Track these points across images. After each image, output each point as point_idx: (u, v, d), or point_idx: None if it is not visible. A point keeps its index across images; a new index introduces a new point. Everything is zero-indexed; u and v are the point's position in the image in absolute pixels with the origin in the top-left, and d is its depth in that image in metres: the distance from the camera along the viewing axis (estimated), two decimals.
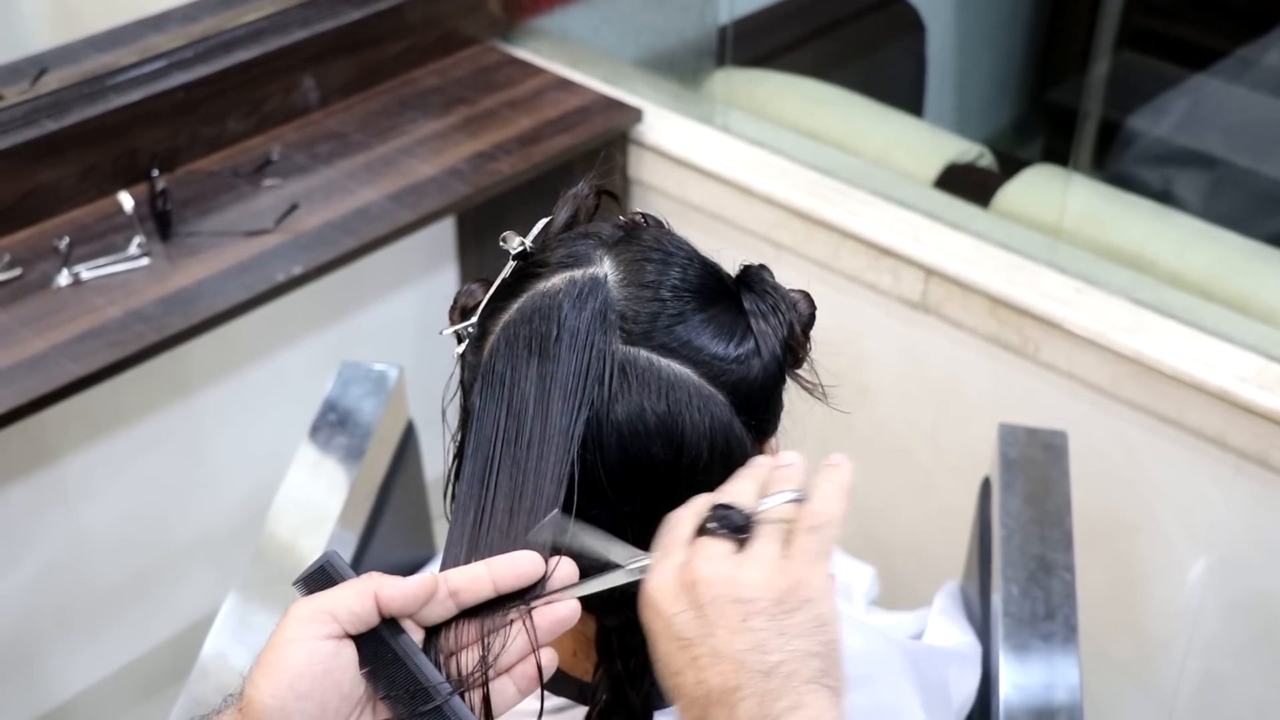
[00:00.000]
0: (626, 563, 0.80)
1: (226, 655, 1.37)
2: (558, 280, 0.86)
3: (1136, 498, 1.92)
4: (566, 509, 0.81)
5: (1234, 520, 1.84)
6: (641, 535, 0.81)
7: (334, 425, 1.59)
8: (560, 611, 0.78)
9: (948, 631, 1.45)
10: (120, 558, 2.27)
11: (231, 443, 2.35)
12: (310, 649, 0.73)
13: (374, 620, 0.75)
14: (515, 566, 0.78)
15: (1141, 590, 1.96)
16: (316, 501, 1.51)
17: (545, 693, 0.92)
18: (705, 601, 0.74)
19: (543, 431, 0.82)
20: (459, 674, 0.77)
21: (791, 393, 0.92)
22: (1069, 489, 1.54)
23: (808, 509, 0.78)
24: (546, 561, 0.78)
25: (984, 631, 1.44)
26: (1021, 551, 1.46)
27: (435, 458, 1.92)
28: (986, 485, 1.61)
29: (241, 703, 0.73)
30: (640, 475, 0.83)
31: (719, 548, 0.76)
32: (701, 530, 0.78)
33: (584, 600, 0.80)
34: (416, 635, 0.76)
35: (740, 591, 0.74)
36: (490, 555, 0.79)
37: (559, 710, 0.92)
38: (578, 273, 0.86)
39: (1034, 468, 1.55)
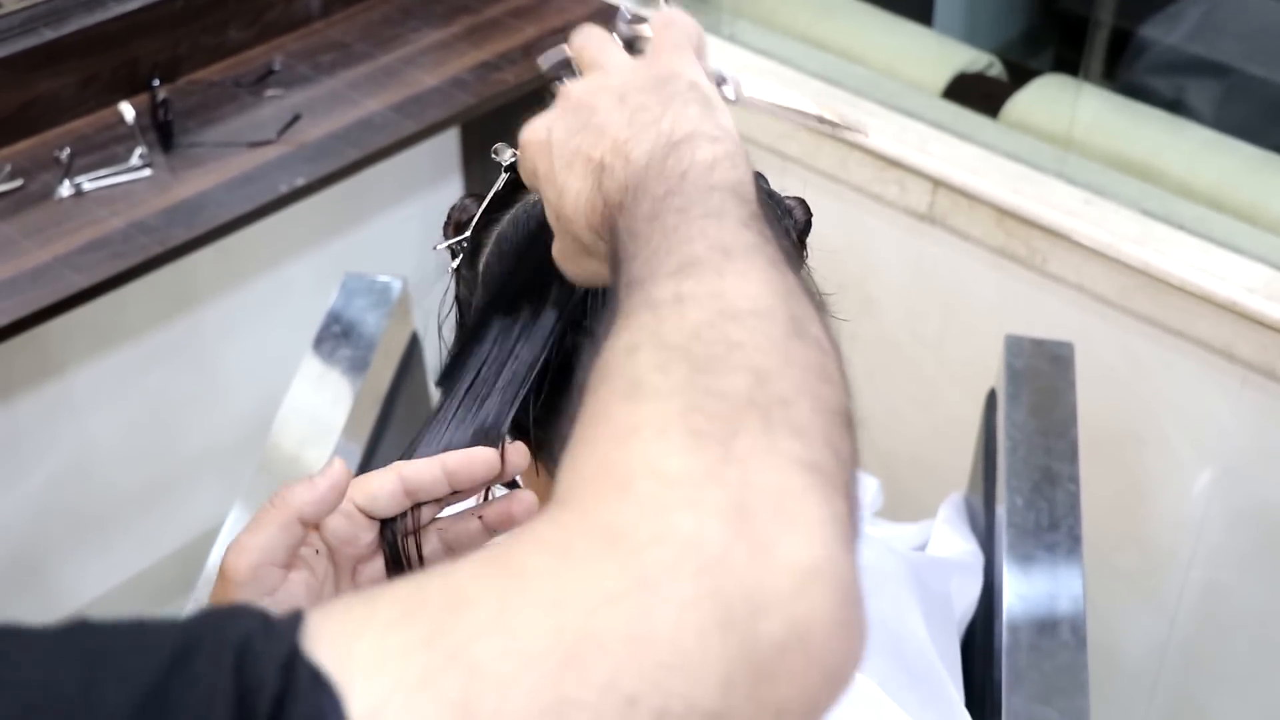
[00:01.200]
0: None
1: None
2: None
3: (1143, 409, 1.91)
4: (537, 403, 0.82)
5: (1240, 432, 1.84)
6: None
7: (338, 337, 1.59)
8: (517, 506, 0.78)
9: (951, 541, 1.46)
10: (127, 469, 2.28)
11: (236, 354, 2.35)
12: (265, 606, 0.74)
13: (302, 535, 0.74)
14: (471, 465, 0.76)
15: (1146, 501, 1.97)
16: (321, 413, 1.52)
17: None
18: (578, 98, 0.70)
19: (530, 331, 0.82)
20: (419, 556, 0.77)
21: None
22: (1075, 400, 1.53)
23: (654, 12, 0.76)
24: (503, 451, 0.77)
25: (988, 542, 1.45)
26: (1026, 463, 1.46)
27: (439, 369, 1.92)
28: (992, 396, 1.61)
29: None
30: None
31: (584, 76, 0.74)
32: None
33: None
34: (371, 533, 0.76)
35: (610, 81, 0.71)
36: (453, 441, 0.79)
37: None
38: None
39: (1040, 379, 1.55)
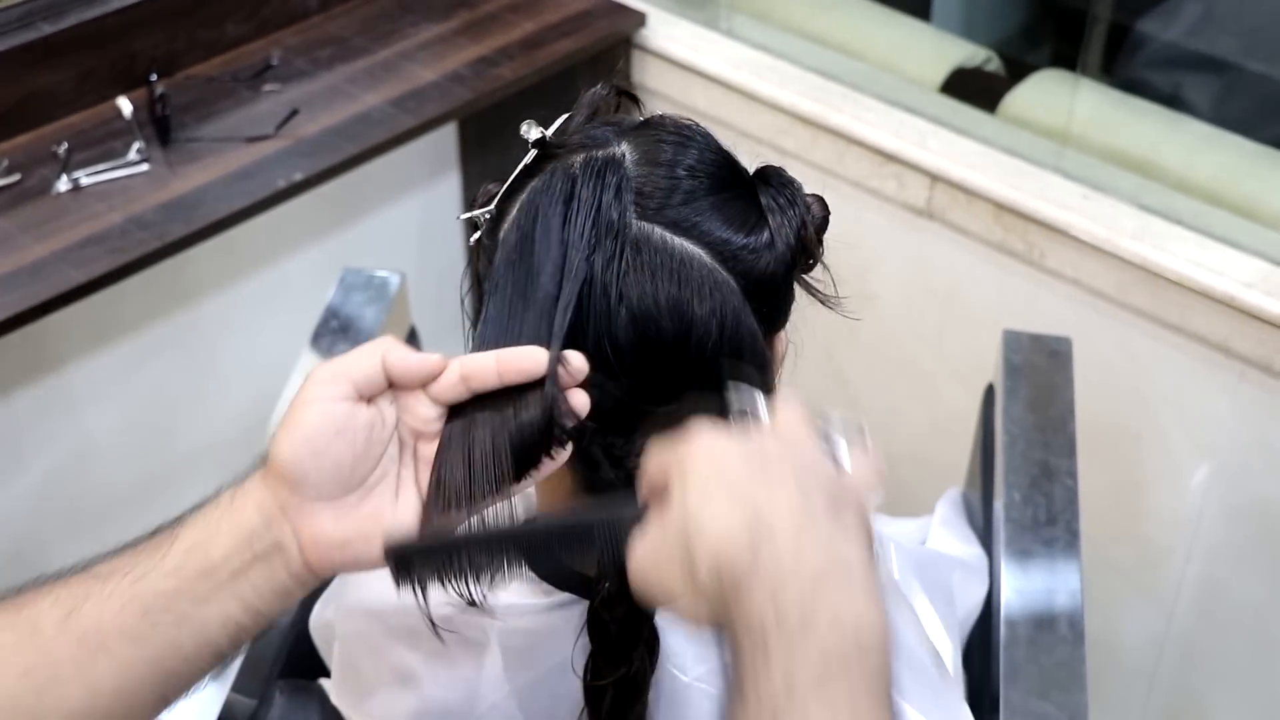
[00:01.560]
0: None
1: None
2: (574, 159, 0.87)
3: (1140, 404, 1.92)
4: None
5: (1237, 427, 1.84)
6: (644, 412, 0.82)
7: (336, 332, 1.59)
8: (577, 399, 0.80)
9: (950, 544, 1.46)
10: (125, 464, 2.28)
11: (234, 349, 2.35)
12: (325, 409, 0.76)
13: (383, 382, 0.78)
14: (519, 361, 0.79)
15: (1144, 496, 1.97)
16: None
17: (550, 587, 0.93)
18: (764, 451, 0.71)
19: (551, 294, 0.82)
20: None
21: (799, 296, 0.92)
22: (1072, 395, 1.54)
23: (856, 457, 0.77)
24: (557, 360, 0.79)
25: (986, 537, 1.45)
26: (1024, 458, 1.46)
27: None
28: (990, 392, 1.61)
29: (263, 461, 0.78)
30: (649, 351, 0.83)
31: None
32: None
33: (588, 483, 0.81)
34: (433, 410, 0.79)
35: (796, 461, 0.71)
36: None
37: (563, 606, 0.93)
38: (595, 152, 0.87)
39: (1038, 374, 1.55)
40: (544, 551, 0.84)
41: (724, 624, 0.66)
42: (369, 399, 0.78)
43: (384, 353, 0.78)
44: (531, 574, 0.94)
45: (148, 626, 0.75)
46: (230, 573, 0.76)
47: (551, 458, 0.80)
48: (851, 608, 0.64)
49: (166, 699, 0.78)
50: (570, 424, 0.79)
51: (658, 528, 0.71)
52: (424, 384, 0.79)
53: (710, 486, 0.69)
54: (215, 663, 0.78)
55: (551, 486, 0.90)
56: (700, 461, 0.70)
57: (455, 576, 0.77)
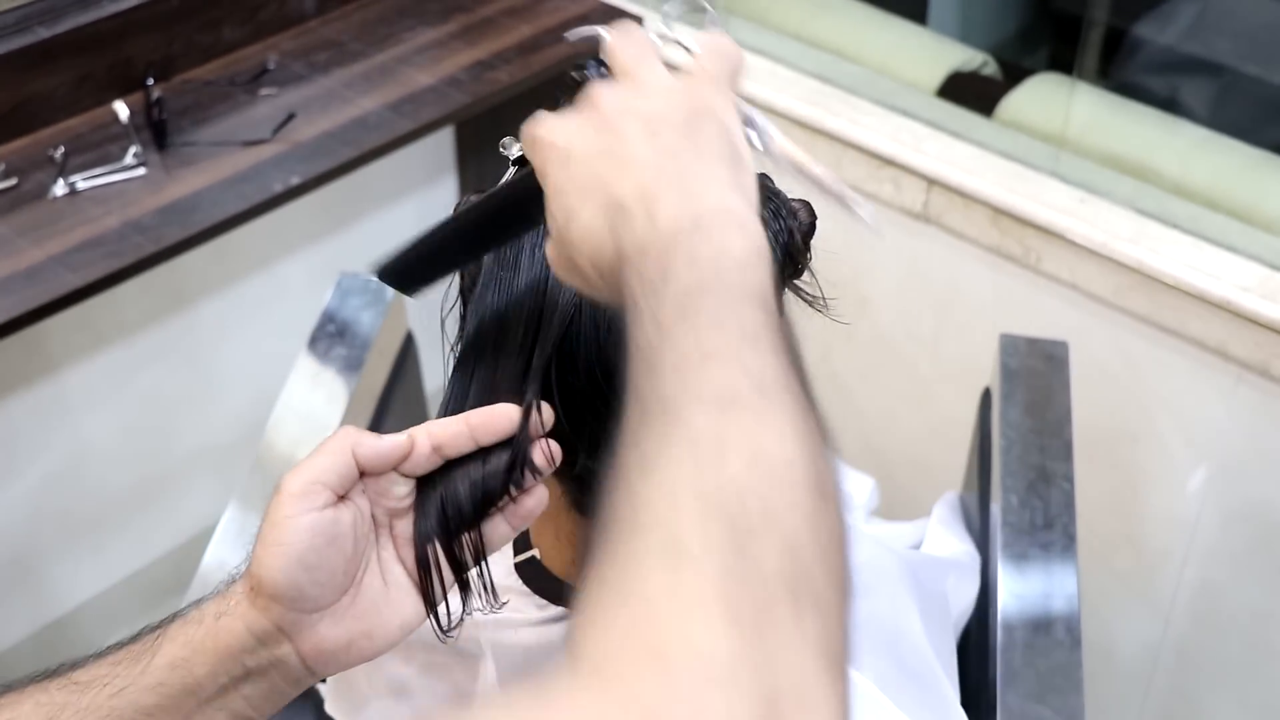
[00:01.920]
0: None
1: (227, 565, 1.38)
2: None
3: (1137, 408, 1.92)
4: (545, 388, 0.82)
5: (1234, 431, 1.84)
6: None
7: (333, 336, 1.59)
8: (528, 504, 0.79)
9: (946, 541, 1.46)
10: (122, 468, 2.28)
11: (230, 353, 2.35)
12: (311, 522, 0.74)
13: (356, 475, 0.76)
14: (492, 419, 0.77)
15: (1141, 500, 1.97)
16: (316, 412, 1.51)
17: (544, 601, 0.93)
18: (608, 115, 0.67)
19: (535, 315, 0.82)
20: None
21: (792, 302, 0.91)
22: (1069, 399, 1.53)
23: (703, 40, 0.72)
24: (529, 411, 0.78)
25: (983, 541, 1.45)
26: (1021, 461, 1.46)
27: (434, 369, 1.92)
28: (987, 395, 1.61)
29: (250, 583, 0.74)
30: None
31: (616, 86, 0.70)
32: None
33: (578, 502, 0.80)
34: (405, 487, 0.78)
35: (641, 105, 0.67)
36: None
37: (557, 620, 0.93)
38: None
39: (1034, 378, 1.55)
40: (490, 225, 0.82)
41: (629, 314, 0.64)
42: (344, 496, 0.76)
43: (352, 447, 0.75)
44: (526, 588, 0.94)
45: None
46: (218, 688, 0.74)
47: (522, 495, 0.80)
48: (707, 243, 0.62)
49: None
50: (543, 473, 0.78)
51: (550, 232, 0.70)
52: (396, 466, 0.77)
53: (563, 188, 0.67)
54: None
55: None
56: (550, 163, 0.68)
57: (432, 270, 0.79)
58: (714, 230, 0.62)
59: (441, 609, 0.78)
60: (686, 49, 0.71)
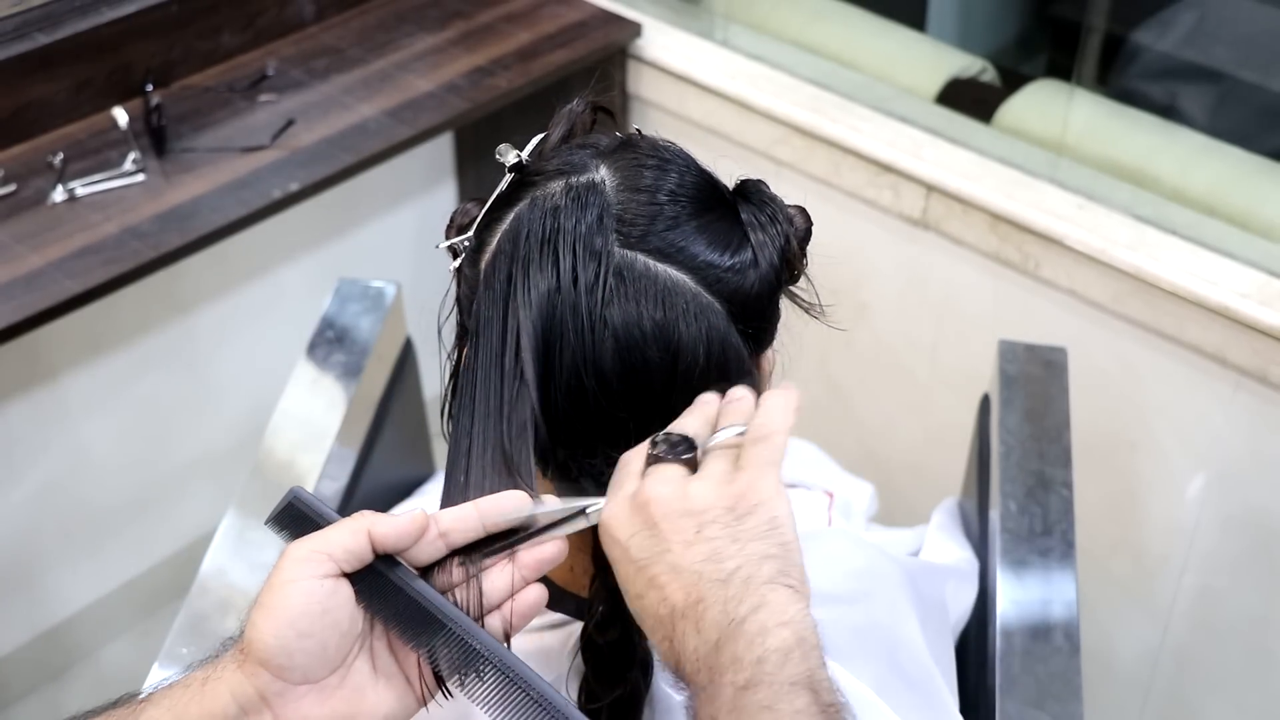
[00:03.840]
0: (589, 508, 0.79)
1: (226, 571, 1.37)
2: (554, 186, 0.86)
3: (1136, 414, 1.92)
4: (553, 417, 0.82)
5: (1232, 437, 1.84)
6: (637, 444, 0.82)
7: (331, 342, 1.59)
8: (546, 553, 0.79)
9: (945, 548, 1.46)
10: (120, 475, 2.28)
11: (229, 360, 2.35)
12: (309, 589, 0.73)
13: (369, 557, 0.75)
14: (501, 506, 0.78)
15: (1139, 506, 1.97)
16: (314, 418, 1.51)
17: (543, 609, 0.93)
18: (658, 519, 0.74)
19: (540, 339, 0.82)
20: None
21: (790, 309, 0.91)
22: (1068, 405, 1.54)
23: (754, 422, 0.78)
24: (534, 495, 0.78)
25: (982, 547, 1.45)
26: (1020, 468, 1.46)
27: (433, 375, 1.92)
28: (986, 402, 1.61)
29: (242, 644, 0.74)
30: (637, 381, 0.82)
31: (669, 472, 0.76)
32: (651, 461, 0.78)
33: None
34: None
35: (691, 505, 0.74)
36: (484, 475, 0.80)
37: (557, 626, 0.93)
38: (575, 179, 0.86)
39: (1033, 384, 1.55)
40: None
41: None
42: (348, 574, 0.76)
43: (370, 529, 0.75)
44: None
45: None
46: None
47: None
48: (749, 647, 0.69)
49: None
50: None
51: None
52: (409, 548, 0.76)
53: (627, 577, 0.76)
54: None
55: None
56: (611, 548, 0.77)
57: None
58: (755, 632, 0.70)
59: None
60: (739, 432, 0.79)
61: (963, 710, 1.16)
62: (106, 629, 2.33)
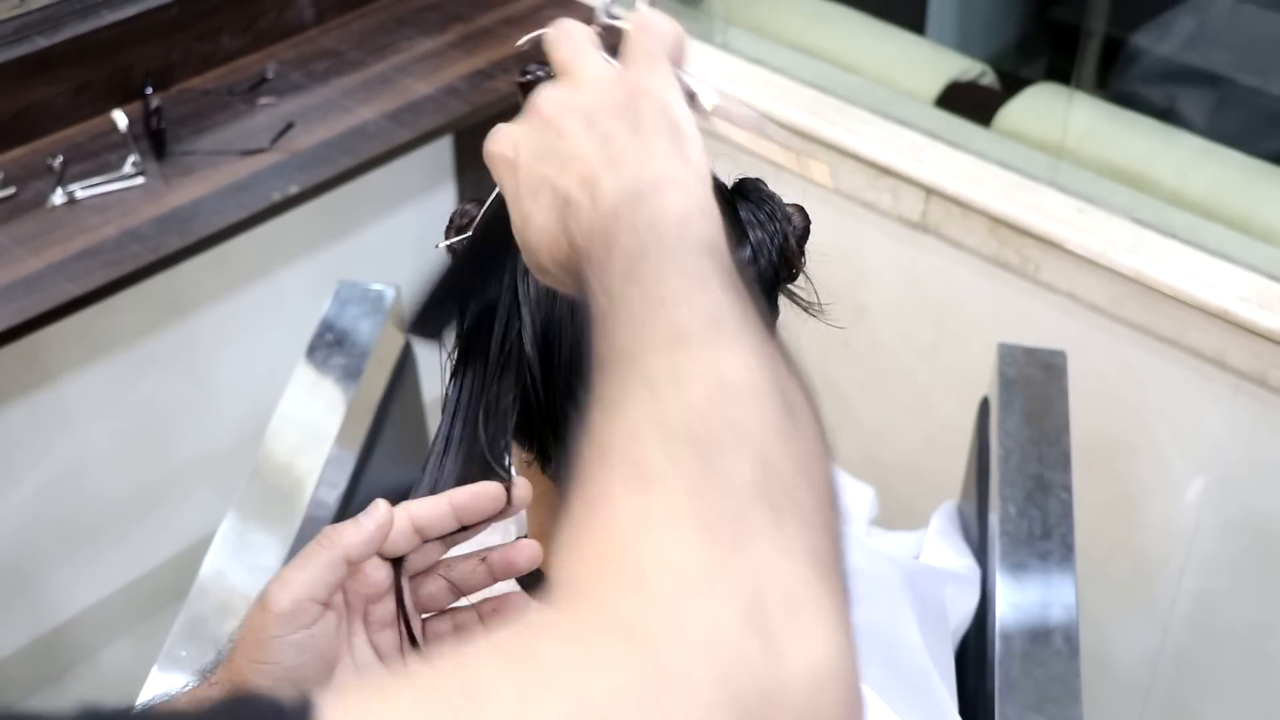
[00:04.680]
0: None
1: (225, 574, 1.37)
2: None
3: (1135, 418, 1.92)
4: (551, 410, 0.82)
5: (1232, 440, 1.84)
6: None
7: (331, 345, 1.59)
8: (518, 561, 0.79)
9: (945, 556, 1.46)
10: (119, 477, 2.28)
11: (229, 362, 2.35)
12: (300, 640, 0.73)
13: (343, 577, 0.75)
14: (476, 500, 0.77)
15: (1139, 510, 1.97)
16: (314, 421, 1.51)
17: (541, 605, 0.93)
18: (549, 116, 0.69)
19: (540, 333, 0.82)
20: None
21: (787, 311, 0.91)
22: (1067, 409, 1.54)
23: (632, 15, 0.72)
24: (509, 486, 0.78)
25: (981, 550, 1.45)
26: (1019, 471, 1.46)
27: (433, 378, 1.92)
28: (985, 405, 1.61)
29: (221, 675, 0.74)
30: None
31: (551, 85, 0.71)
32: (527, 87, 0.75)
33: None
34: (383, 572, 0.77)
35: (580, 99, 0.68)
36: (464, 465, 0.81)
37: None
38: None
39: (1033, 387, 1.55)
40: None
41: (590, 299, 0.65)
42: (326, 603, 0.75)
43: (344, 553, 0.74)
44: (524, 592, 0.94)
45: None
46: None
47: None
48: (646, 211, 0.63)
49: None
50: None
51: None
52: (380, 548, 0.76)
53: (517, 193, 0.69)
54: None
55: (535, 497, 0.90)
56: (502, 174, 0.70)
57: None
58: (652, 197, 0.63)
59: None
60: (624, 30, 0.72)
61: (962, 713, 1.16)
62: (106, 631, 2.33)
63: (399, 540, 0.76)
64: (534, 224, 0.67)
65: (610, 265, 0.62)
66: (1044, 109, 2.07)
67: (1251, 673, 1.96)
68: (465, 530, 0.78)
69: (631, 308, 0.60)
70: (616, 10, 0.75)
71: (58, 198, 1.84)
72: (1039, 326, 1.93)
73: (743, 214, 0.87)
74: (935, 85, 2.16)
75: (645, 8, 0.73)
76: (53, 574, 2.25)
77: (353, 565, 0.75)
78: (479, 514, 0.77)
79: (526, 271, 0.82)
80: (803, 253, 0.90)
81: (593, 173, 0.65)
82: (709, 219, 0.63)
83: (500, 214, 0.74)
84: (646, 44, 0.71)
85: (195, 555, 1.48)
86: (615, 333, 0.60)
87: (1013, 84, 2.20)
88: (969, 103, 2.12)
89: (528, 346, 0.83)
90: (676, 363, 0.57)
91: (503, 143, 0.70)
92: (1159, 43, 2.37)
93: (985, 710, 1.29)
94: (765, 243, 0.87)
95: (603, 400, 0.58)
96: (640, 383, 0.57)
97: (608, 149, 0.65)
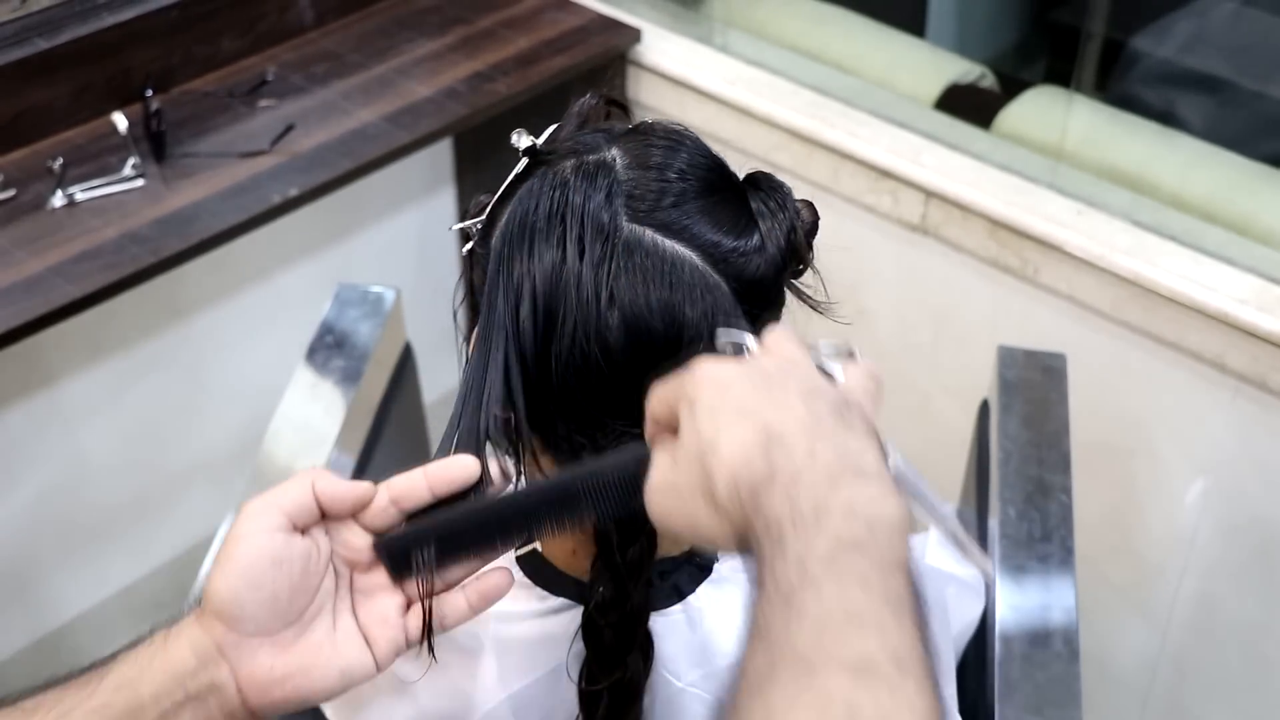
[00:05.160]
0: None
1: None
2: (565, 164, 0.87)
3: (1135, 420, 1.92)
4: (554, 389, 0.83)
5: (1232, 443, 1.84)
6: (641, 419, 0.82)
7: (331, 347, 1.59)
8: (491, 584, 0.81)
9: (948, 562, 1.45)
10: (119, 480, 2.28)
11: (229, 365, 2.35)
12: (258, 541, 0.76)
13: (316, 512, 0.78)
14: (449, 471, 0.79)
15: (1138, 513, 1.97)
16: (314, 423, 1.51)
17: (545, 593, 0.93)
18: (764, 371, 0.70)
19: (542, 310, 0.83)
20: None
21: (792, 306, 0.92)
22: (1067, 411, 1.54)
23: (851, 368, 0.74)
24: (483, 460, 0.79)
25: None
26: (1019, 474, 1.46)
27: (433, 380, 1.92)
28: (985, 407, 1.61)
29: (199, 599, 0.77)
30: (640, 354, 0.83)
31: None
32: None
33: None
34: (362, 539, 0.80)
35: (805, 375, 0.70)
36: (461, 442, 0.82)
37: (558, 611, 0.93)
38: (586, 157, 0.87)
39: (1032, 390, 1.55)
40: (540, 514, 0.81)
41: (747, 537, 0.65)
42: (303, 529, 0.78)
43: (313, 481, 0.78)
44: (528, 580, 0.94)
45: None
46: (160, 713, 0.75)
47: None
48: (864, 496, 0.63)
49: None
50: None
51: (669, 458, 0.70)
52: (354, 513, 0.79)
53: (719, 408, 0.68)
54: None
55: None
56: (705, 388, 0.69)
57: (453, 558, 0.79)
58: (873, 484, 0.64)
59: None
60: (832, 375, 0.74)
61: (963, 715, 1.16)
62: (105, 634, 2.33)
63: (378, 514, 0.79)
64: (732, 435, 0.66)
65: (815, 536, 0.62)
66: (1044, 112, 2.07)
67: (1251, 676, 1.96)
68: (442, 505, 0.80)
69: (826, 604, 0.60)
70: (831, 365, 0.74)
71: (58, 200, 1.84)
72: (1039, 329, 1.93)
73: (753, 203, 0.88)
74: (935, 88, 2.16)
75: (862, 359, 0.75)
76: (51, 576, 2.25)
77: (322, 506, 0.78)
78: (450, 484, 0.79)
79: (527, 260, 0.83)
80: (811, 247, 0.91)
81: (809, 427, 0.65)
82: (907, 541, 0.64)
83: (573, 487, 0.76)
84: (866, 388, 0.73)
85: (195, 558, 1.48)
86: (799, 624, 0.60)
87: (1012, 87, 2.21)
88: (969, 105, 2.12)
89: (524, 325, 0.83)
90: (855, 697, 0.57)
91: (714, 369, 0.70)
92: (1159, 45, 2.37)
93: (985, 713, 1.29)
94: (774, 230, 0.87)
95: (767, 699, 0.59)
96: (813, 701, 0.57)
97: (825, 424, 0.66)
